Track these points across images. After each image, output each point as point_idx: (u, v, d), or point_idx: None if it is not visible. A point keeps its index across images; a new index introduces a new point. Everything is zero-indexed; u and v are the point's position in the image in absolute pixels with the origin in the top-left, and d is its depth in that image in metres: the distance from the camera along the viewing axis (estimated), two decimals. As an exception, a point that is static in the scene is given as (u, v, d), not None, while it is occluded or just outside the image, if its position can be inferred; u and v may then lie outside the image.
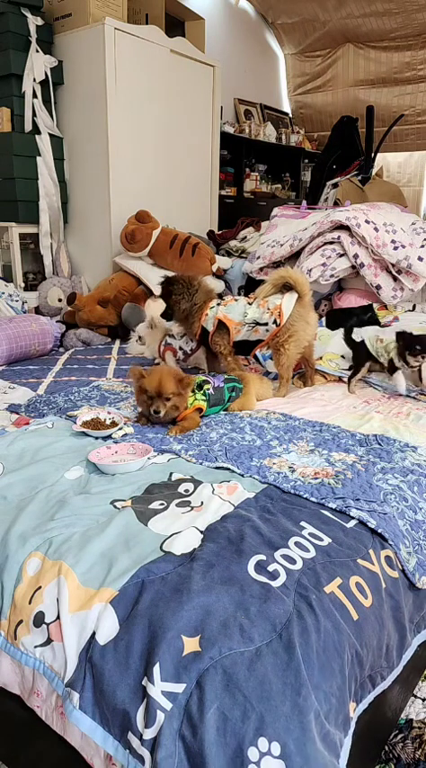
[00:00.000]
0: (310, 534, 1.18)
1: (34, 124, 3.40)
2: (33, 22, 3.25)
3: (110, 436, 1.68)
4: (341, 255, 2.88)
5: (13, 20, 3.19)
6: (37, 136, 3.41)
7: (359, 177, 4.25)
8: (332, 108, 5.88)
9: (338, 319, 2.76)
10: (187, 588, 1.00)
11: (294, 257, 3.16)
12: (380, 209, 3.07)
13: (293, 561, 1.09)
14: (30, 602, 1.09)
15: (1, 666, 1.11)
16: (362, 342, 2.27)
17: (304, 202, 3.66)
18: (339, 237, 2.88)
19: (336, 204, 3.94)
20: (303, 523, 1.22)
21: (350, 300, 3.00)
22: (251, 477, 1.44)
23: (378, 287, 2.85)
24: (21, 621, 1.09)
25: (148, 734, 0.87)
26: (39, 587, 1.10)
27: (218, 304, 2.27)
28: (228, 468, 1.47)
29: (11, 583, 1.14)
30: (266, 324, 2.15)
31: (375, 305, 2.88)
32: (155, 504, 1.27)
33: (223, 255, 3.85)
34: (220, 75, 4.11)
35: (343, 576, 1.09)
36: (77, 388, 2.18)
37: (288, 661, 0.90)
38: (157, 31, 3.59)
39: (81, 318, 3.23)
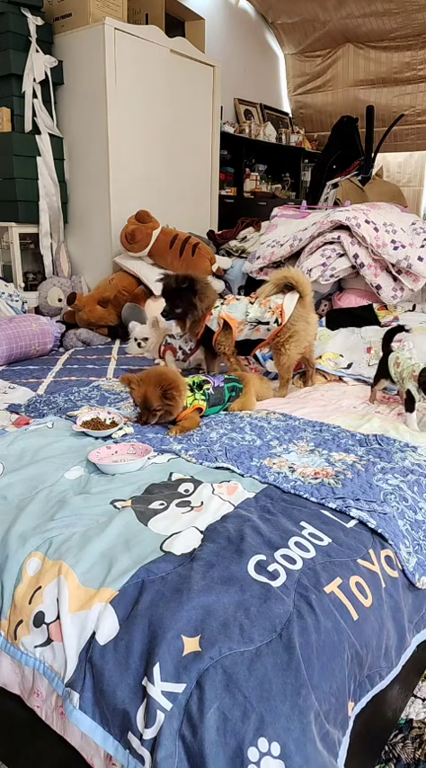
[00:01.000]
0: (310, 534, 1.18)
1: (34, 124, 3.40)
2: (33, 22, 3.25)
3: (110, 436, 1.68)
4: (341, 255, 2.88)
5: (13, 20, 3.19)
6: (37, 136, 3.41)
7: (359, 177, 4.25)
8: (332, 108, 5.88)
9: (338, 319, 2.76)
10: (187, 588, 1.00)
11: (294, 257, 3.16)
12: (380, 209, 3.07)
13: (293, 561, 1.09)
14: (30, 602, 1.09)
15: (1, 666, 1.11)
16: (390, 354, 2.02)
17: (304, 202, 3.66)
18: (339, 237, 2.88)
19: (336, 204, 3.94)
20: (303, 523, 1.21)
21: (350, 300, 3.00)
22: (251, 477, 1.44)
23: (378, 287, 2.85)
24: (21, 621, 1.09)
25: (148, 734, 0.87)
26: (39, 587, 1.10)
27: (221, 303, 2.27)
28: (228, 468, 1.47)
29: (11, 583, 1.14)
30: (268, 323, 2.15)
31: (375, 305, 2.88)
32: (155, 504, 1.27)
33: (223, 255, 3.85)
34: (220, 75, 4.11)
35: (343, 575, 1.09)
36: (77, 388, 2.18)
37: (288, 661, 0.90)
38: (157, 31, 3.59)
39: (81, 318, 3.23)
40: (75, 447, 1.61)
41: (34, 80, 3.32)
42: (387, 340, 2.05)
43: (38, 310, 3.52)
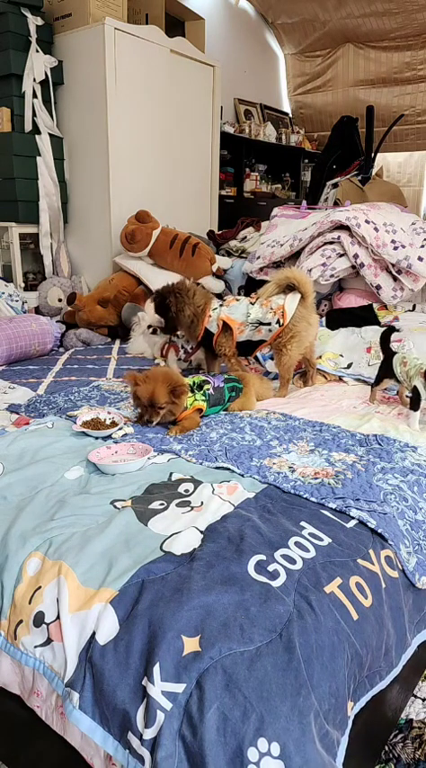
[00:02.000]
0: (310, 534, 1.18)
1: (34, 124, 3.40)
2: (33, 22, 3.25)
3: (110, 436, 1.68)
4: (341, 255, 2.88)
5: (13, 20, 3.19)
6: (37, 136, 3.41)
7: (359, 177, 4.25)
8: (332, 108, 5.88)
9: (338, 319, 2.76)
10: (187, 588, 1.00)
11: (294, 257, 3.16)
12: (380, 210, 3.07)
13: (293, 561, 1.09)
14: (30, 602, 1.09)
15: (1, 666, 1.11)
16: (394, 355, 2.03)
17: (304, 202, 3.66)
18: (339, 237, 2.88)
19: (336, 204, 3.94)
20: (303, 523, 1.22)
21: (350, 300, 3.00)
22: (251, 477, 1.44)
23: (378, 287, 2.85)
24: (21, 621, 1.09)
25: (148, 734, 0.87)
26: (39, 587, 1.10)
27: (221, 305, 2.27)
28: (228, 468, 1.47)
29: (11, 583, 1.14)
30: (269, 324, 2.15)
31: (375, 305, 2.88)
32: (155, 504, 1.27)
33: (223, 255, 3.85)
34: (220, 75, 4.11)
35: (343, 575, 1.09)
36: (77, 388, 2.18)
37: (288, 661, 0.90)
38: (157, 31, 3.59)
39: (81, 318, 3.23)
40: (75, 447, 1.61)
41: (34, 80, 3.32)
42: (384, 342, 2.08)
43: (38, 310, 3.52)
